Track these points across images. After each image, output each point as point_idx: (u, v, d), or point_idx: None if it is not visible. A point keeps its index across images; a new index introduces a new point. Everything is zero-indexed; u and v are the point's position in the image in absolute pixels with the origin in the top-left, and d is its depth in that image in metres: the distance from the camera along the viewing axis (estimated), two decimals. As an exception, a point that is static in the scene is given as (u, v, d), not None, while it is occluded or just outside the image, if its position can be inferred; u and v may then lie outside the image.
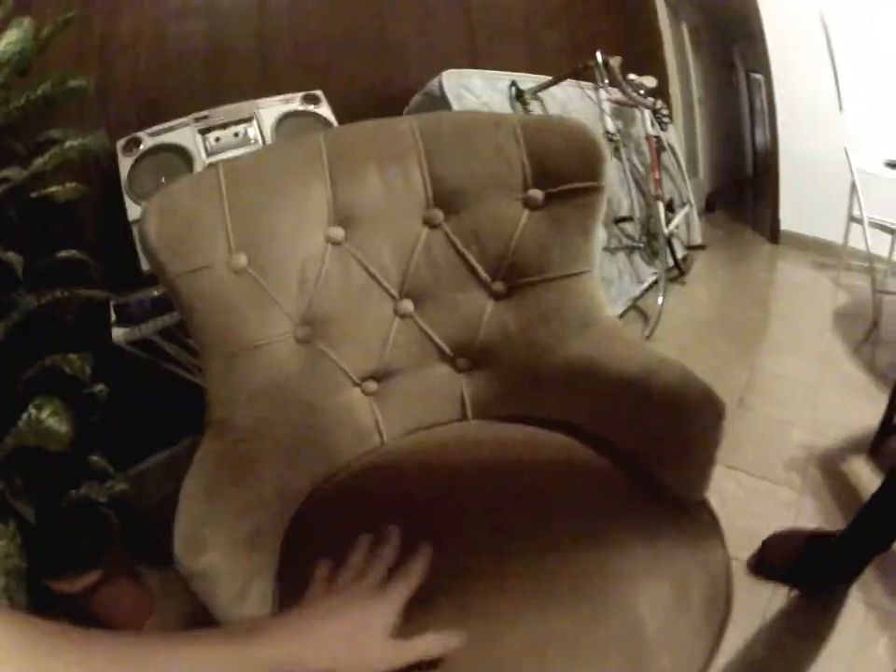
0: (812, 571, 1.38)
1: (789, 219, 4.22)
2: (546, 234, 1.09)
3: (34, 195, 1.30)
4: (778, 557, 1.43)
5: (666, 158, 3.42)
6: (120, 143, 1.59)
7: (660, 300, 2.82)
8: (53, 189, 1.33)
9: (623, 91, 2.66)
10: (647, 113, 2.98)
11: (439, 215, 1.13)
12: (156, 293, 1.34)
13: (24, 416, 1.21)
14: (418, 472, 0.99)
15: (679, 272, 3.45)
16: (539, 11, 2.92)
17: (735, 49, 5.95)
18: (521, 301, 1.12)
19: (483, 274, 1.13)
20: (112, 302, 1.35)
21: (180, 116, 1.66)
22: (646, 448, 0.92)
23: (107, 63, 1.74)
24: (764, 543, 1.49)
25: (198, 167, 1.57)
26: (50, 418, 1.20)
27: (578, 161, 1.06)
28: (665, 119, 3.15)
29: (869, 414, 1.95)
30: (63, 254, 1.48)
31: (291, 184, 1.09)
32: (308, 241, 1.08)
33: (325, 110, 1.75)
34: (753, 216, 5.07)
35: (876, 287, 2.83)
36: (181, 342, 1.46)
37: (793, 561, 1.40)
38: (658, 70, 3.91)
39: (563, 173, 1.07)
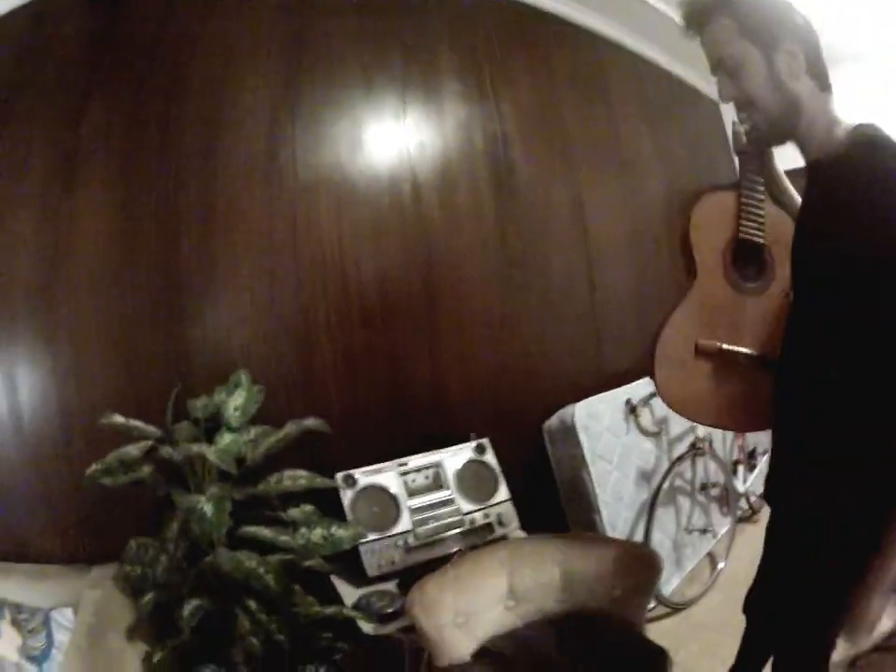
0: None
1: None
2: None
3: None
4: None
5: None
6: (339, 476, 2.19)
7: (720, 564, 3.18)
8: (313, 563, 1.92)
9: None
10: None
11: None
12: (391, 609, 1.91)
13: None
14: None
15: (751, 511, 3.73)
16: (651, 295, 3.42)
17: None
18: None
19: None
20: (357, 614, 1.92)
21: (372, 451, 2.29)
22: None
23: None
24: None
25: (402, 506, 2.19)
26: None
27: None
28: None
29: None
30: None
31: (489, 580, 1.87)
32: (495, 608, 1.86)
33: (490, 457, 2.41)
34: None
35: None
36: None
37: None
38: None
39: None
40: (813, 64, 1.13)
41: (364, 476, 2.22)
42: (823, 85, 1.15)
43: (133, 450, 1.76)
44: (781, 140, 1.21)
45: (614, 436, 2.85)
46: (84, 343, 2.08)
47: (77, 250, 2.08)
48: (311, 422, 2.01)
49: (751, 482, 3.58)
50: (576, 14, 3.28)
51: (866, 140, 1.07)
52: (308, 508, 2.00)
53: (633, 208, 3.47)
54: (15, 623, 1.81)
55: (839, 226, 1.05)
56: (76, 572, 1.93)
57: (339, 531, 1.87)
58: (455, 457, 2.35)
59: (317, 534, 1.86)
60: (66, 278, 2.07)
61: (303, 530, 1.87)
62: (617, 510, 2.84)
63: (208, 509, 1.60)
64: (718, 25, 1.14)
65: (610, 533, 2.72)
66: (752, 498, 3.74)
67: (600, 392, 2.91)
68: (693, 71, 4.21)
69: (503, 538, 2.29)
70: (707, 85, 4.36)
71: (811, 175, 1.19)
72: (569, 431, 2.68)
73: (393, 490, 2.22)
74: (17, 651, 1.78)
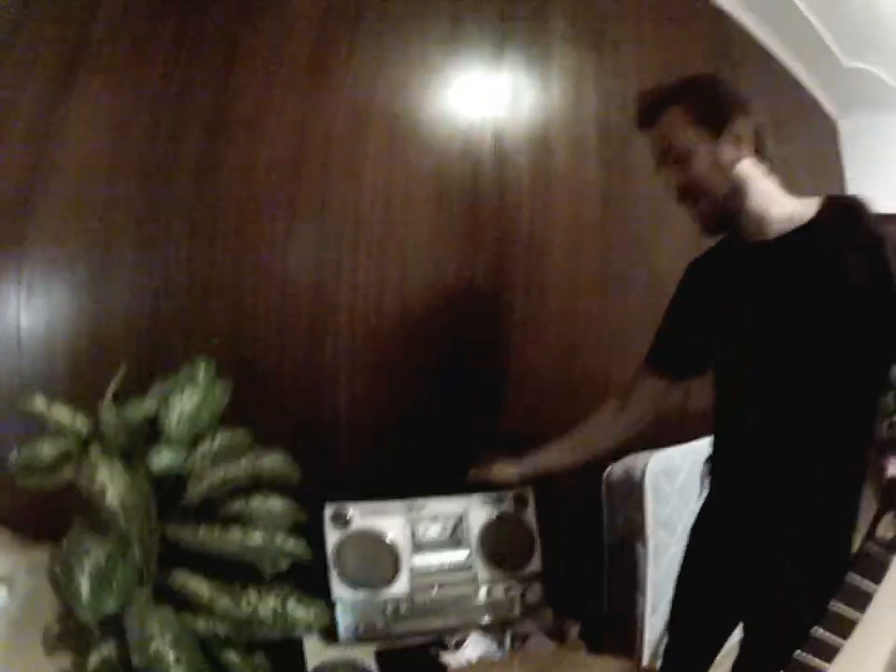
0: None
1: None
2: None
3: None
4: None
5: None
6: (329, 510, 1.67)
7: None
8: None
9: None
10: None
11: None
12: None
13: None
14: None
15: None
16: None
17: None
18: None
19: None
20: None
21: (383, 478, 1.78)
22: None
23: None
24: None
25: (403, 562, 1.67)
26: None
27: None
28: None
29: None
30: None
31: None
32: None
33: (529, 514, 1.83)
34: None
35: None
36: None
37: None
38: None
39: None
40: (761, 145, 1.15)
41: (361, 516, 1.69)
42: (771, 167, 1.17)
43: (44, 450, 1.32)
44: (725, 226, 1.19)
45: (684, 501, 2.26)
46: (55, 282, 1.67)
47: (61, 168, 1.66)
48: (270, 460, 1.46)
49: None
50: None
51: (840, 203, 1.12)
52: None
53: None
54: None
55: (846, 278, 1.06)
56: (18, 545, 1.62)
57: (297, 610, 1.33)
58: (484, 507, 1.79)
59: (267, 606, 1.33)
60: (45, 199, 1.66)
61: (252, 597, 1.35)
62: (665, 590, 2.27)
63: (85, 587, 1.08)
64: (669, 115, 1.16)
65: (649, 617, 2.19)
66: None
67: (681, 439, 2.33)
68: (817, 80, 3.72)
69: (523, 620, 1.78)
70: (828, 101, 3.86)
71: (770, 253, 1.14)
72: (634, 489, 2.11)
73: (394, 540, 1.68)
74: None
